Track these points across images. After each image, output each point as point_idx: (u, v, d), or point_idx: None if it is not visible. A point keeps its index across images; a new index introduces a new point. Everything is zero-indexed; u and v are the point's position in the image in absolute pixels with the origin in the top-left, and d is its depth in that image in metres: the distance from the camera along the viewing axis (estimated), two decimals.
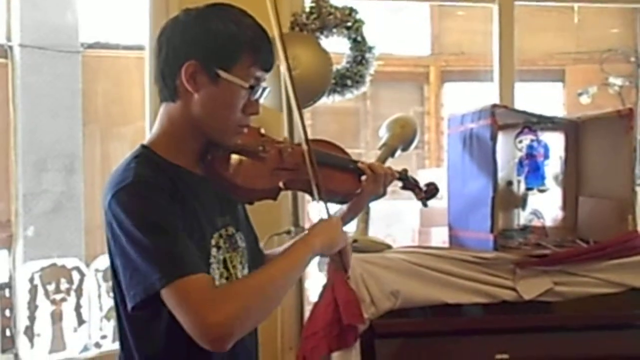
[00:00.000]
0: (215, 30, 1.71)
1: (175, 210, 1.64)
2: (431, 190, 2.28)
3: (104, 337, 3.71)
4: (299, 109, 1.91)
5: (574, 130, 3.01)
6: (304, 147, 1.86)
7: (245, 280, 1.73)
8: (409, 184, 2.26)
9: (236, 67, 1.71)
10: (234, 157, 1.83)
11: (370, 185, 2.06)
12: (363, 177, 2.06)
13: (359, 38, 3.17)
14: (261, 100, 1.80)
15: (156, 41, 1.77)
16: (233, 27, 1.72)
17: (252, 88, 1.74)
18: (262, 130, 1.92)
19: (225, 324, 1.54)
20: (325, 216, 1.86)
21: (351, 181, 2.06)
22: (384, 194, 2.11)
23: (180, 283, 1.54)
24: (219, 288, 1.61)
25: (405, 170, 2.24)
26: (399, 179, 2.21)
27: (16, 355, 3.75)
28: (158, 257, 1.56)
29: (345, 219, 2.10)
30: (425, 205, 2.29)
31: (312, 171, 1.84)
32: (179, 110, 1.75)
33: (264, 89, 1.78)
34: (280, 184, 1.87)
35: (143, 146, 1.77)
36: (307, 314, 2.99)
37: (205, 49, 1.70)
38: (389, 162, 2.70)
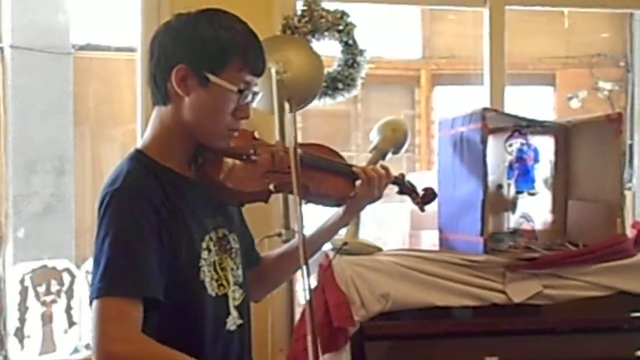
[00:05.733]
0: (205, 34, 1.74)
1: (156, 223, 1.66)
2: (429, 195, 2.27)
3: None
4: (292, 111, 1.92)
5: (564, 134, 3.03)
6: (290, 150, 1.87)
7: (168, 351, 1.63)
8: (406, 188, 2.25)
9: (226, 72, 1.74)
10: (226, 160, 1.84)
11: (365, 189, 2.05)
12: (357, 181, 2.07)
13: (350, 41, 3.18)
14: (253, 105, 1.82)
15: (149, 45, 1.80)
16: (223, 32, 1.74)
17: (242, 92, 1.76)
18: (256, 134, 1.93)
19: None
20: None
21: (344, 184, 2.06)
22: (379, 197, 2.11)
23: (107, 301, 1.58)
24: (137, 332, 1.59)
25: (402, 175, 2.23)
26: (395, 183, 2.20)
27: (6, 357, 3.74)
28: (108, 269, 1.60)
29: (341, 223, 2.10)
30: (422, 210, 2.28)
31: (296, 174, 1.85)
32: (171, 114, 1.77)
33: (255, 94, 1.80)
34: (271, 187, 1.88)
35: (137, 150, 1.79)
36: (297, 316, 3.00)
37: (196, 53, 1.73)
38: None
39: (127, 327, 1.57)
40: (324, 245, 2.19)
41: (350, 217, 2.12)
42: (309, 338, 1.73)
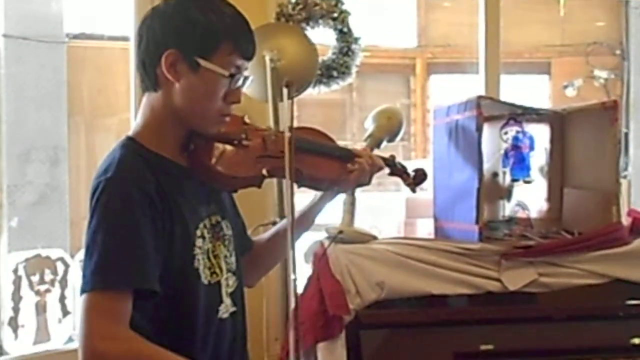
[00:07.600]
0: (194, 19, 1.72)
1: (150, 212, 1.65)
2: (419, 176, 2.29)
3: None
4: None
5: (559, 122, 3.02)
6: (286, 134, 1.86)
7: (154, 348, 1.61)
8: (397, 170, 2.26)
9: (216, 56, 1.72)
10: (217, 146, 1.83)
11: (357, 171, 2.06)
12: (349, 164, 2.06)
13: (345, 29, 3.17)
14: (244, 89, 1.80)
15: (137, 31, 1.78)
16: (212, 15, 1.72)
17: (233, 76, 1.74)
18: (247, 119, 1.92)
19: (103, 357, 1.55)
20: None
21: (337, 167, 2.06)
22: (370, 179, 2.11)
23: (98, 295, 1.57)
24: (125, 330, 1.58)
25: (392, 157, 2.25)
26: (386, 165, 2.21)
27: (0, 347, 3.74)
28: (101, 261, 1.58)
29: (328, 200, 2.10)
30: (413, 191, 2.30)
31: (289, 159, 1.84)
32: (161, 100, 1.75)
33: (245, 78, 1.78)
34: (264, 172, 1.87)
35: (128, 137, 1.78)
36: (292, 305, 2.99)
37: (185, 37, 1.71)
38: (376, 153, 2.70)
39: (115, 324, 1.56)
40: (312, 224, 2.17)
41: (330, 198, 2.12)
42: (291, 334, 1.73)
